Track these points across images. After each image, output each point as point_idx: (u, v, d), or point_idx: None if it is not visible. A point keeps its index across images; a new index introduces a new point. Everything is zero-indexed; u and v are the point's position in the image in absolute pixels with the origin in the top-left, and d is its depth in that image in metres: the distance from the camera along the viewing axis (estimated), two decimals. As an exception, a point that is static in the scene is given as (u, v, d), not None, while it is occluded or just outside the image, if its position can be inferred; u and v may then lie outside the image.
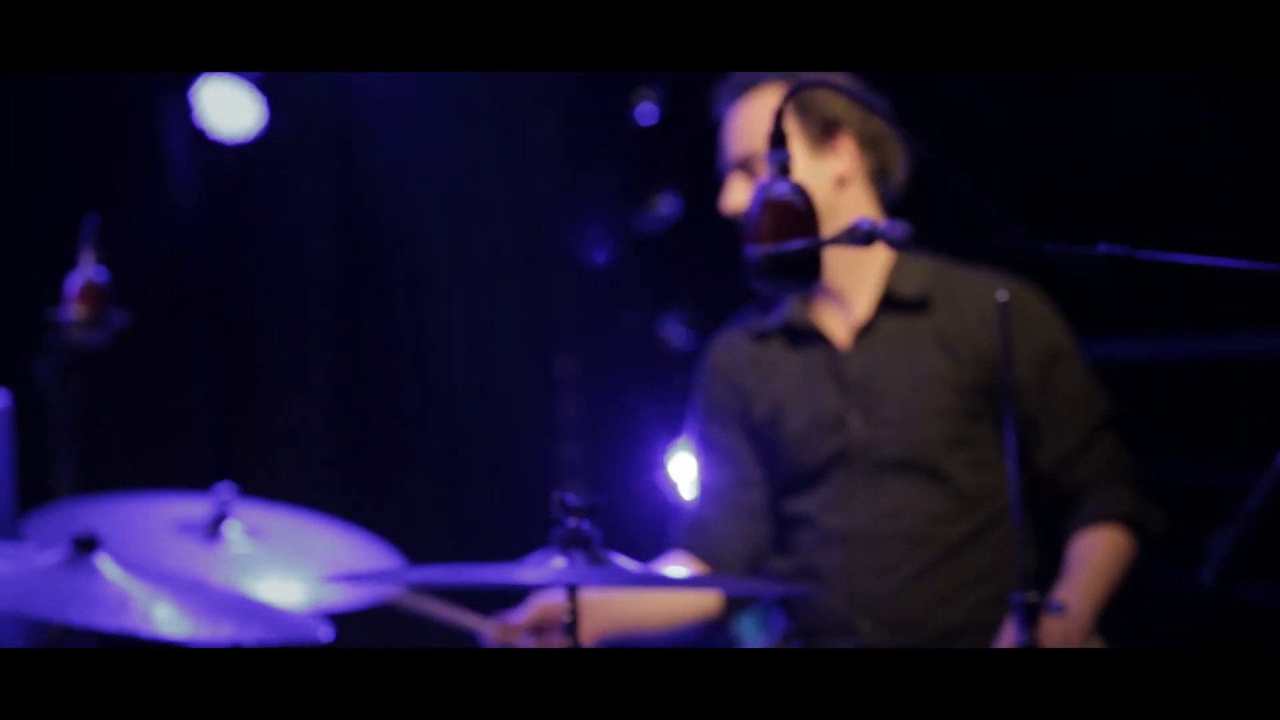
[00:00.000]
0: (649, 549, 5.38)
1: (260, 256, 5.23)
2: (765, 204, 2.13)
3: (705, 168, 5.34)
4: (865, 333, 3.36)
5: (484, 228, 5.41)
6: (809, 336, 3.41)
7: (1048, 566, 3.19)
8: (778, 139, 2.18)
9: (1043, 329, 3.30)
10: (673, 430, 5.49)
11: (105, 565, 2.79)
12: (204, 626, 2.71)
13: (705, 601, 3.46)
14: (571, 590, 2.23)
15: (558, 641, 3.24)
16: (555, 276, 5.47)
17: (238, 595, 2.93)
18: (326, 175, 5.28)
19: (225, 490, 3.37)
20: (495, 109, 5.36)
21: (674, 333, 5.48)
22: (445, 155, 5.36)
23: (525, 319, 5.49)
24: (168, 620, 2.68)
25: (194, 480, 4.18)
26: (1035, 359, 3.26)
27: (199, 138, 4.95)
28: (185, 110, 4.91)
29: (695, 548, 3.47)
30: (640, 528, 5.47)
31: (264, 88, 4.98)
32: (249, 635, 2.73)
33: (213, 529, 3.35)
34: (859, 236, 2.09)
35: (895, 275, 3.36)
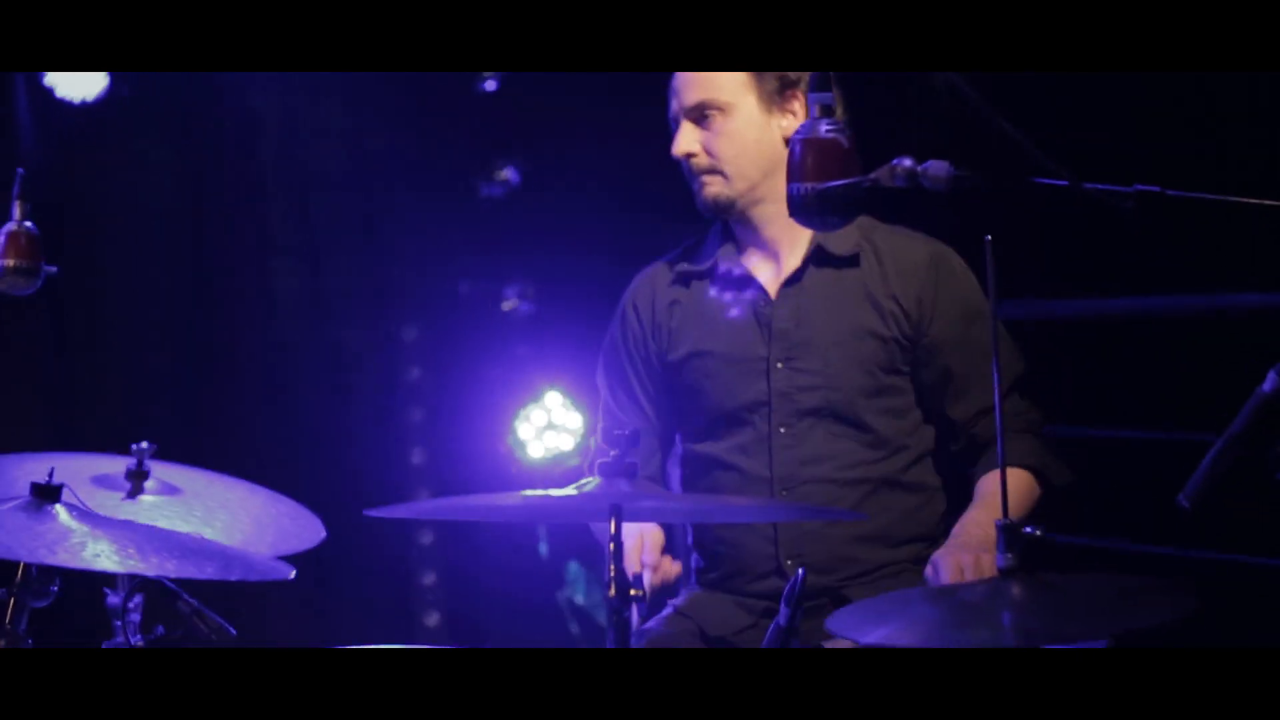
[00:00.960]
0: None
1: (106, 220, 5.19)
2: (807, 143, 2.18)
3: (546, 138, 5.49)
4: (793, 283, 3.44)
5: (327, 194, 5.43)
6: (738, 282, 3.48)
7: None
8: (823, 82, 2.23)
9: (965, 288, 3.43)
10: (514, 395, 5.60)
11: (62, 512, 2.81)
12: (171, 565, 2.74)
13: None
14: (617, 512, 2.26)
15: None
16: (397, 243, 5.51)
17: (196, 538, 2.96)
18: (171, 138, 5.26)
19: (142, 448, 3.38)
20: (338, 75, 5.37)
21: (513, 300, 5.58)
22: (289, 122, 5.37)
23: (368, 285, 5.52)
24: (135, 562, 2.70)
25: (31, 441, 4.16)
26: (958, 316, 3.39)
27: (45, 96, 4.89)
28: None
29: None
30: (482, 488, 5.59)
31: (108, 49, 4.94)
32: (218, 573, 2.76)
33: (133, 485, 3.36)
34: (900, 175, 2.15)
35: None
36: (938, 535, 3.35)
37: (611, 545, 2.26)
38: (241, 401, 5.38)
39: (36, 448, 3.59)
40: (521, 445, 5.53)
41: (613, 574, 2.27)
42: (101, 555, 2.67)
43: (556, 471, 5.52)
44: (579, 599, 5.76)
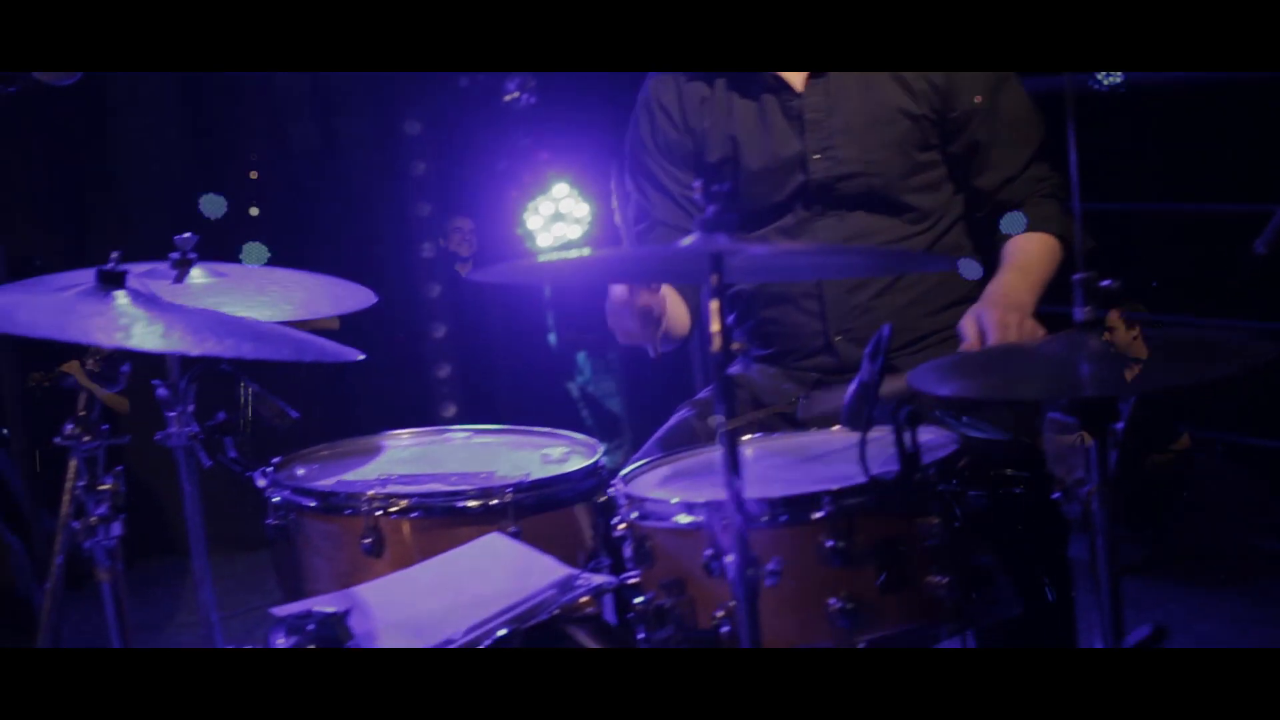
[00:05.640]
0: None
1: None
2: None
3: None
4: (819, 74, 3.41)
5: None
6: (761, 80, 3.44)
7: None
8: None
9: None
10: (521, 187, 5.60)
11: (122, 298, 2.80)
12: (248, 347, 2.74)
13: (683, 319, 3.50)
14: (717, 261, 2.22)
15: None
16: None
17: (265, 323, 2.95)
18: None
19: (185, 238, 3.36)
20: None
21: (515, 92, 5.55)
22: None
23: (369, 81, 5.47)
24: (212, 344, 2.70)
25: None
26: (985, 85, 3.40)
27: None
28: None
29: None
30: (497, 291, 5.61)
31: None
32: (292, 355, 2.77)
33: (179, 273, 3.34)
34: None
35: None
36: (975, 299, 3.39)
37: (714, 301, 2.23)
38: (251, 204, 5.35)
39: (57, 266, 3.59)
40: (531, 235, 5.54)
41: (716, 329, 2.24)
42: (175, 338, 2.67)
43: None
44: (590, 388, 5.82)
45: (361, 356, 2.90)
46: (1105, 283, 2.51)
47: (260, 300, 3.23)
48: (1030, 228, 3.38)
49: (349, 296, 3.27)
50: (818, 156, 3.40)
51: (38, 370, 4.85)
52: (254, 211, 5.35)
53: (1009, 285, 3.27)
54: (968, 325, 3.12)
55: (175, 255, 3.38)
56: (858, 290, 3.38)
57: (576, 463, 3.04)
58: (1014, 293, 3.24)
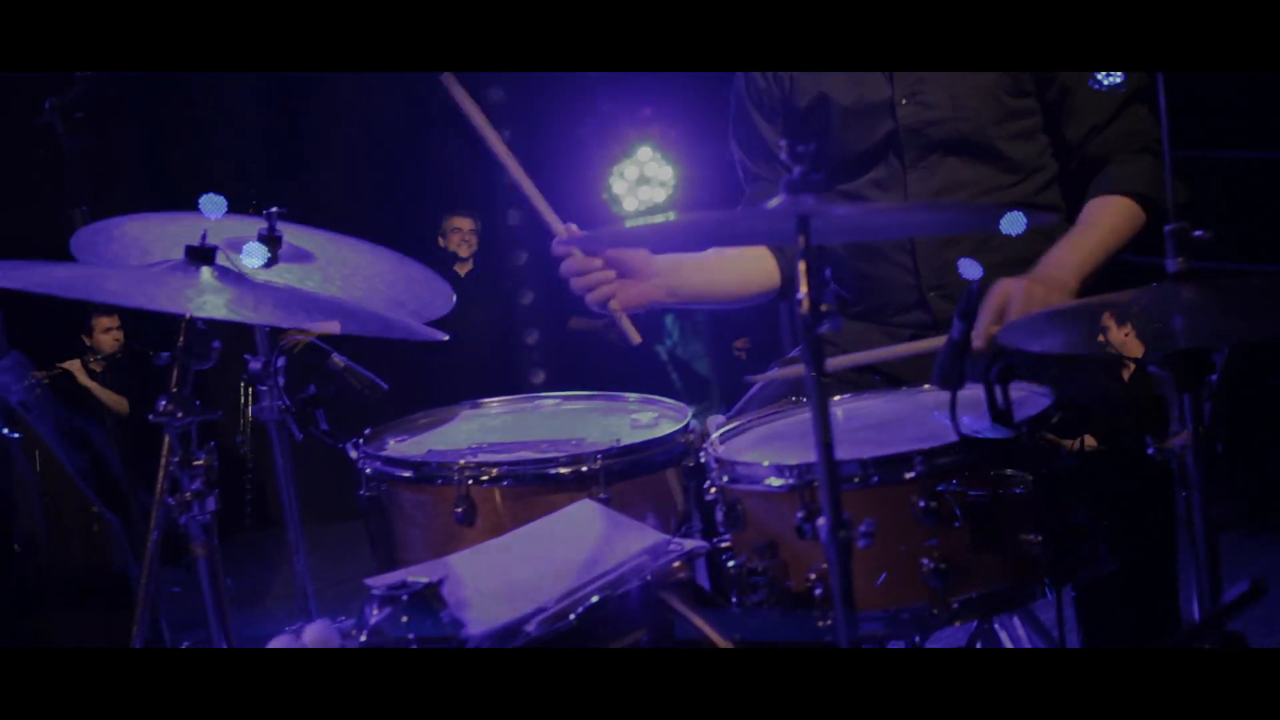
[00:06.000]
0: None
1: None
2: None
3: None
4: None
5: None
6: None
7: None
8: None
9: None
10: (604, 154, 5.59)
11: (209, 273, 2.82)
12: (336, 324, 2.75)
13: (768, 275, 3.52)
14: (804, 222, 2.20)
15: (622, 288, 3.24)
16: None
17: (352, 302, 2.97)
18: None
19: (273, 212, 3.38)
20: None
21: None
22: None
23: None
24: (278, 316, 2.72)
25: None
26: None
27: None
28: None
29: None
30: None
31: None
32: (380, 332, 2.78)
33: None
34: None
35: None
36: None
37: (801, 263, 2.21)
38: (334, 167, 5.37)
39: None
40: (617, 200, 5.54)
41: (805, 290, 2.21)
42: (266, 312, 2.69)
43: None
44: (679, 351, 5.80)
45: (446, 338, 2.92)
46: (1198, 233, 2.48)
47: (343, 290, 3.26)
48: (1111, 189, 3.28)
49: (430, 299, 3.26)
50: (905, 101, 3.36)
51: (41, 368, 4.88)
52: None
53: (1056, 263, 3.14)
54: (996, 294, 2.96)
55: (263, 231, 3.40)
56: (951, 245, 3.32)
57: (666, 427, 3.03)
58: (1059, 271, 3.10)
